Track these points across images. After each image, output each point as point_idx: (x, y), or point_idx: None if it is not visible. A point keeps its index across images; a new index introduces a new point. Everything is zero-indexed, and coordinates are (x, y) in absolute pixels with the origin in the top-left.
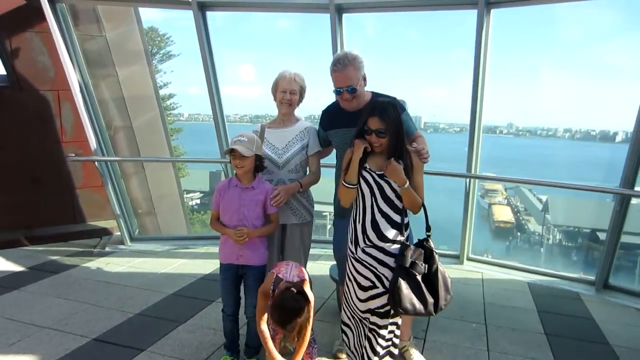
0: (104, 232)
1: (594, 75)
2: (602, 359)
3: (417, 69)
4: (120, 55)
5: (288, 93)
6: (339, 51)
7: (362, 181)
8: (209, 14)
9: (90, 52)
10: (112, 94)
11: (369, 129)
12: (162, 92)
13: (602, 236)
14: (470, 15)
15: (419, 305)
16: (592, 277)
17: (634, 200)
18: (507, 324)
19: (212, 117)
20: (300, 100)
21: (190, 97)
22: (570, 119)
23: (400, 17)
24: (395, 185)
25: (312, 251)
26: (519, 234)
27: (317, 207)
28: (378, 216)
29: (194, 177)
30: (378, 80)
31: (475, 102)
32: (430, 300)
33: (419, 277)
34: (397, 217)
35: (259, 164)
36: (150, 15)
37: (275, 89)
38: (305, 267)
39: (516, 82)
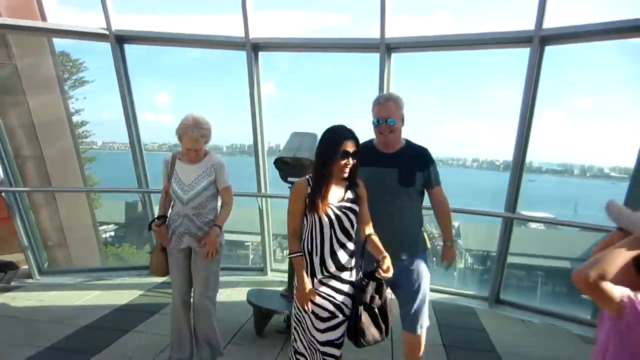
0: (10, 267)
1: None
2: None
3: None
4: (31, 82)
5: (193, 151)
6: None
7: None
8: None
9: None
10: (21, 122)
11: (347, 151)
12: (74, 119)
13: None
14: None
15: (377, 336)
16: (486, 294)
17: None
18: None
19: (128, 145)
20: (207, 142)
21: (104, 125)
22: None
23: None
24: (352, 217)
25: (232, 278)
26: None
27: (239, 237)
28: (336, 247)
29: (108, 208)
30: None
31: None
32: (384, 327)
33: (376, 310)
34: (351, 245)
35: None
36: (61, 40)
37: (179, 139)
38: (215, 292)
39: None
